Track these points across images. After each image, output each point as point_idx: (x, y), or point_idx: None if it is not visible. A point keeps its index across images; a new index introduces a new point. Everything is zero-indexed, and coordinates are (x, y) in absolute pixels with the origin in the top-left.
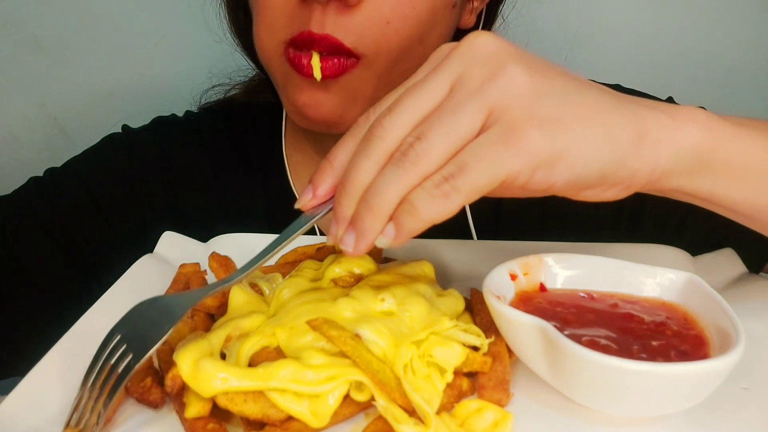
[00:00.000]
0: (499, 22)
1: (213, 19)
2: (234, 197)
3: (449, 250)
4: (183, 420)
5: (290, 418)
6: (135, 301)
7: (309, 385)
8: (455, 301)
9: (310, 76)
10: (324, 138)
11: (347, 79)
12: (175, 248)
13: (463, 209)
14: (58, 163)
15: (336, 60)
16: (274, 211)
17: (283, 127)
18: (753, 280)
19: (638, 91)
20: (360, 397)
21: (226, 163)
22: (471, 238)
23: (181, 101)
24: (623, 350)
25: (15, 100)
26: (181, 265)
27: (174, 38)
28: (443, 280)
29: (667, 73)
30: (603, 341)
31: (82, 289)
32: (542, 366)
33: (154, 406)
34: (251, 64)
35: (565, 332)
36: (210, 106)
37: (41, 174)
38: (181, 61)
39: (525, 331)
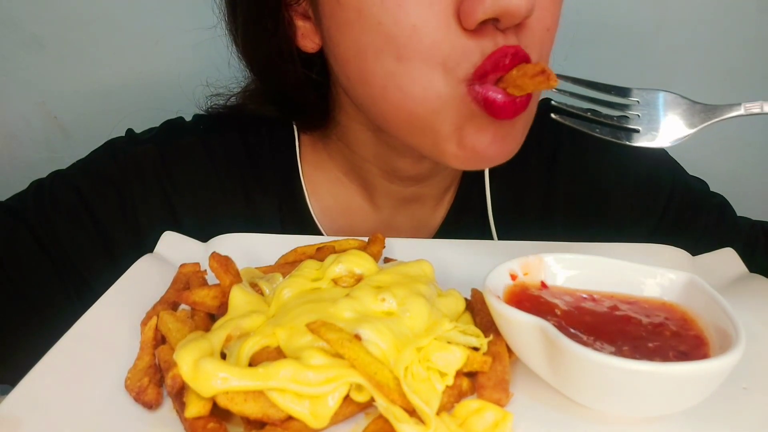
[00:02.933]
0: None
1: (211, 21)
2: (244, 218)
3: (449, 250)
4: (183, 420)
5: (290, 418)
6: (135, 301)
7: (309, 386)
8: (455, 302)
9: (508, 115)
10: (357, 159)
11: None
12: (175, 248)
13: (485, 207)
14: (58, 162)
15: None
16: (290, 232)
17: (297, 145)
18: (753, 280)
19: None
20: (360, 397)
21: (237, 182)
22: (491, 235)
23: (181, 100)
24: (614, 353)
25: (14, 99)
26: (181, 265)
27: (174, 37)
28: (443, 280)
29: (667, 72)
30: (596, 345)
31: (76, 305)
32: (542, 365)
33: (149, 406)
34: (253, 76)
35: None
36: (219, 111)
37: (40, 172)
38: (181, 60)
39: (525, 330)
